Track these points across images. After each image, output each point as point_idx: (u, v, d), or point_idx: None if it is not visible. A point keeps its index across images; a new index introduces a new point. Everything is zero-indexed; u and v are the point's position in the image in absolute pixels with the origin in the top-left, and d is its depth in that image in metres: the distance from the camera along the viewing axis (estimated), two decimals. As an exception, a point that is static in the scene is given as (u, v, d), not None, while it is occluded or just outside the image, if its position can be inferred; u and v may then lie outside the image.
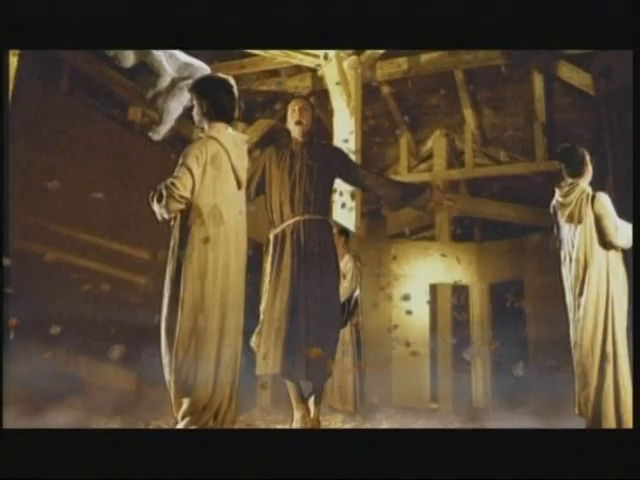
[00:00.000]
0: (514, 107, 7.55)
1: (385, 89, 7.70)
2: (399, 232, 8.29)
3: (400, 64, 6.88)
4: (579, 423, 3.27)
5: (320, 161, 3.37)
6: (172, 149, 6.22)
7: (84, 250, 4.88)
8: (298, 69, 6.96)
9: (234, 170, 2.84)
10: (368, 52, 6.52)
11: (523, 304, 7.15)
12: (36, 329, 3.93)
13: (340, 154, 3.56)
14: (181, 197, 2.74)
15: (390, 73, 7.05)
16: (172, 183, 2.76)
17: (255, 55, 5.81)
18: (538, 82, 7.01)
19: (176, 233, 2.84)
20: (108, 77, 5.64)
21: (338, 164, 3.44)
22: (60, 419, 3.37)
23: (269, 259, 3.41)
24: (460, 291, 7.89)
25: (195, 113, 2.90)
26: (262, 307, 3.40)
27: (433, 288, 7.83)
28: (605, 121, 6.13)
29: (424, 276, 7.68)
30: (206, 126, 2.88)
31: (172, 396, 2.59)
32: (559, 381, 5.66)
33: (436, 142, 8.24)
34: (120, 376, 4.81)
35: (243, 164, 2.90)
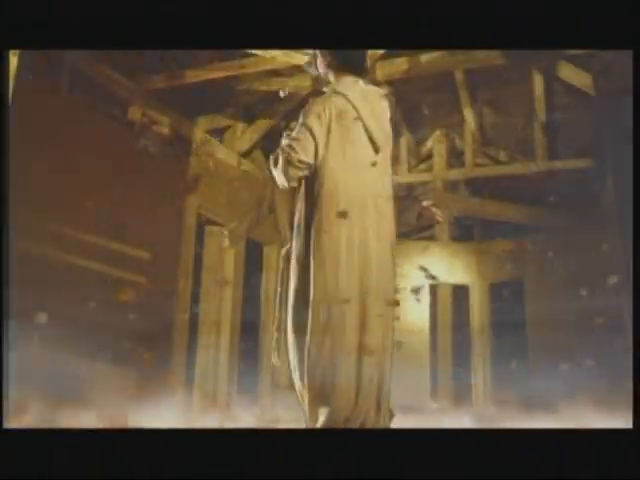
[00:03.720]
0: (514, 107, 7.54)
1: (385, 89, 7.68)
2: (399, 232, 8.27)
3: (400, 64, 6.88)
4: (579, 422, 3.27)
5: None
6: (172, 149, 6.22)
7: (84, 250, 4.88)
8: (298, 69, 6.95)
9: (367, 131, 2.44)
10: (368, 52, 6.50)
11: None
12: (37, 329, 3.94)
13: None
14: (300, 162, 2.33)
15: (390, 73, 7.05)
16: (290, 146, 2.36)
17: (255, 55, 5.80)
18: (538, 82, 7.00)
19: (301, 206, 2.40)
20: (108, 77, 5.64)
21: None
22: (60, 419, 3.37)
23: (280, 277, 3.55)
24: (460, 291, 7.89)
25: (318, 64, 2.61)
26: (275, 326, 3.48)
27: (433, 288, 7.82)
28: (605, 121, 6.12)
29: (424, 276, 7.67)
30: (332, 79, 2.57)
31: (305, 406, 2.22)
32: (559, 380, 5.67)
33: (436, 142, 8.24)
34: (120, 376, 4.81)
35: (381, 124, 2.51)
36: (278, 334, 3.30)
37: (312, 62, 2.65)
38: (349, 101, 2.43)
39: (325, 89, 2.57)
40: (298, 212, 2.41)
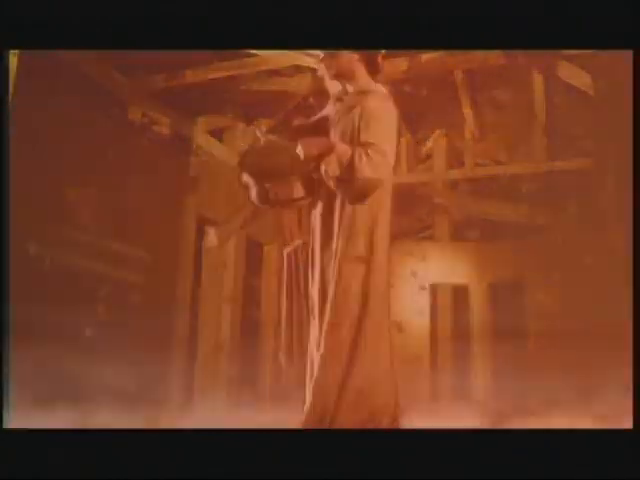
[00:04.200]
0: (514, 107, 7.54)
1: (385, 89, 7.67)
2: (399, 232, 8.29)
3: (400, 64, 6.88)
4: (580, 422, 3.27)
5: None
6: (172, 149, 6.23)
7: (84, 250, 4.88)
8: (298, 69, 6.96)
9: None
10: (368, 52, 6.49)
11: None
12: (37, 329, 3.94)
13: None
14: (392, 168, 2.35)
15: (390, 73, 7.04)
16: (379, 149, 2.32)
17: (255, 55, 5.80)
18: (538, 82, 7.00)
19: (354, 208, 2.35)
20: (108, 77, 5.64)
21: None
22: (60, 419, 3.37)
23: (285, 277, 3.53)
24: (460, 291, 7.89)
25: (342, 64, 2.55)
26: (283, 326, 3.48)
27: (433, 288, 7.83)
28: (605, 121, 6.12)
29: (424, 276, 7.68)
30: (357, 80, 2.52)
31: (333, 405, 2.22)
32: (559, 380, 5.67)
33: (436, 142, 8.24)
34: (120, 376, 4.81)
35: None
36: (289, 332, 3.30)
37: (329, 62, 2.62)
38: (393, 105, 2.46)
39: (350, 89, 2.51)
40: (349, 214, 2.35)
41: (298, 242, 3.55)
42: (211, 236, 3.79)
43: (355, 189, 2.34)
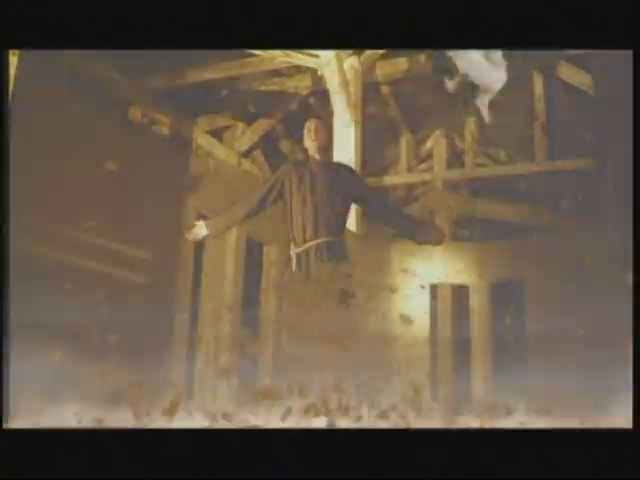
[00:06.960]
0: (514, 107, 7.55)
1: (385, 89, 7.69)
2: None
3: (400, 64, 6.88)
4: (579, 421, 3.27)
5: (340, 186, 3.56)
6: (172, 149, 6.23)
7: (84, 250, 4.88)
8: (298, 69, 6.97)
9: None
10: (368, 52, 6.52)
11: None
12: (37, 329, 3.94)
13: (358, 182, 3.77)
14: None
15: (390, 73, 7.05)
16: None
17: (255, 55, 5.80)
18: (538, 82, 7.01)
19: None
20: (108, 77, 5.64)
21: (357, 193, 3.67)
22: (59, 419, 3.37)
23: (295, 277, 3.55)
24: (460, 291, 7.90)
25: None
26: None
27: (433, 288, 7.83)
28: (605, 121, 6.13)
29: (424, 276, 7.68)
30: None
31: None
32: (559, 379, 5.67)
33: (436, 142, 8.24)
34: (120, 376, 4.81)
35: None
36: None
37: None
38: None
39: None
40: None
41: (311, 244, 3.53)
42: (198, 228, 3.72)
43: None
